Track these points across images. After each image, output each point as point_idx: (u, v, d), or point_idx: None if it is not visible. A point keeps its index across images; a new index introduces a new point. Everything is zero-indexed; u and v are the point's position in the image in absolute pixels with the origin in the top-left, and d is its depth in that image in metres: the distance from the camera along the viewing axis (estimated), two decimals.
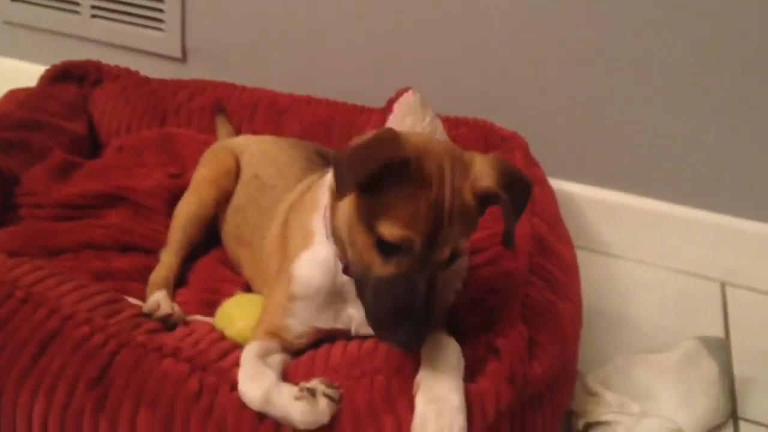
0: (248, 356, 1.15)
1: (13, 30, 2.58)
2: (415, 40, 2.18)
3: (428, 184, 1.04)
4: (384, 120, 1.92)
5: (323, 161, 1.60)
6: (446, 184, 1.05)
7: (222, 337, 1.28)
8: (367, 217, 1.07)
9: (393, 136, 1.06)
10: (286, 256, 1.28)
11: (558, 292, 1.42)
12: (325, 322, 1.25)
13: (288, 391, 1.08)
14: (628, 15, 1.98)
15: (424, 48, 2.18)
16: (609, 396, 1.48)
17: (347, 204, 1.11)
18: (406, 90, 1.95)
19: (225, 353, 1.22)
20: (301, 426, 1.06)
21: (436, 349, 1.13)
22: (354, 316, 1.24)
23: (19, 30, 2.57)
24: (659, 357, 1.56)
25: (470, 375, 1.13)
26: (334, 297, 1.23)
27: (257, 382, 1.10)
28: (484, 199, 1.10)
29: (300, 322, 1.24)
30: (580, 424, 1.48)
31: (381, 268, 1.07)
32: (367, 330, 1.21)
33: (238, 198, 1.62)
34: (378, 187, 1.05)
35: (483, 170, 1.09)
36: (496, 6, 2.07)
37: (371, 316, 1.10)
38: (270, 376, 1.11)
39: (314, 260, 1.22)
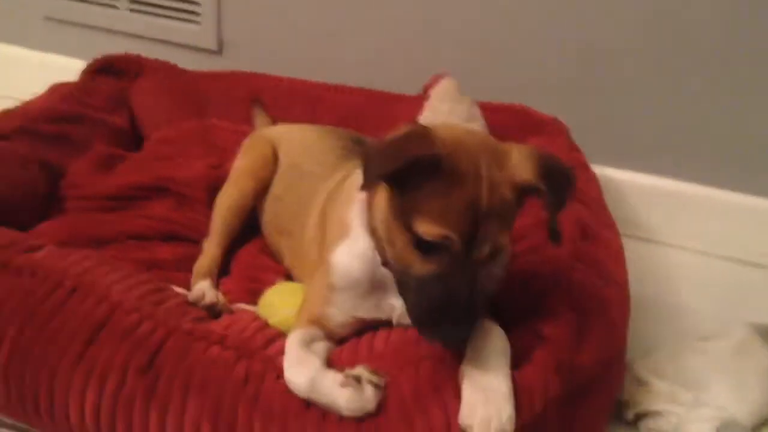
0: (293, 344, 1.15)
1: (53, 25, 2.61)
2: (450, 25, 2.16)
3: (463, 180, 1.02)
4: (420, 107, 1.90)
5: (360, 148, 1.59)
6: (482, 179, 1.03)
7: (266, 325, 1.28)
8: (404, 215, 1.05)
9: (424, 133, 1.04)
10: (324, 245, 1.27)
11: (604, 277, 1.39)
12: (367, 312, 1.24)
13: (333, 377, 1.07)
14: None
15: (460, 33, 2.16)
16: (660, 385, 1.45)
17: (383, 203, 1.10)
18: (442, 76, 1.93)
19: (270, 341, 1.22)
20: (347, 413, 1.06)
21: (482, 336, 1.12)
22: (396, 306, 1.22)
23: (59, 25, 2.60)
24: (711, 345, 1.53)
25: (516, 363, 1.11)
26: (374, 287, 1.22)
27: (303, 369, 1.09)
28: (523, 192, 1.08)
29: (341, 312, 1.23)
30: (630, 414, 1.46)
31: (421, 267, 1.06)
32: (409, 320, 1.20)
33: (277, 187, 1.62)
34: (412, 185, 1.03)
35: (521, 163, 1.07)
36: None
37: (413, 315, 1.09)
38: (315, 363, 1.10)
39: (353, 251, 1.21)
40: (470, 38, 2.15)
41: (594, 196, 1.74)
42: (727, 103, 2.00)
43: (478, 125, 1.86)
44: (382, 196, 1.11)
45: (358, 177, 1.23)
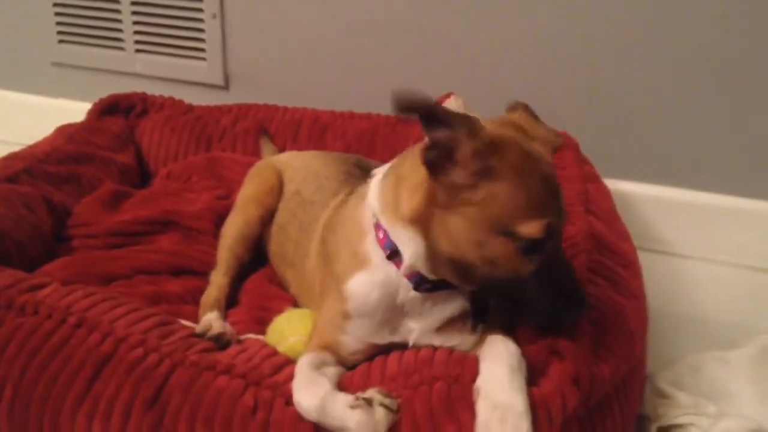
0: (302, 367, 1.13)
1: (61, 70, 2.65)
2: (455, 44, 2.16)
3: (528, 168, 1.04)
4: None
5: (362, 173, 1.56)
6: (537, 157, 1.07)
7: (275, 352, 1.26)
8: (499, 227, 1.04)
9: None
10: (333, 276, 1.25)
11: (621, 289, 1.36)
12: (382, 338, 1.21)
13: (344, 400, 1.04)
14: (678, 8, 1.92)
15: (465, 52, 2.15)
16: (682, 397, 1.42)
17: (466, 231, 1.06)
18: (448, 95, 1.92)
19: (279, 368, 1.19)
20: None
21: (496, 352, 1.10)
22: (413, 328, 1.20)
23: (67, 70, 2.64)
24: (733, 354, 1.49)
25: (533, 378, 1.08)
26: (393, 313, 1.20)
27: (312, 392, 1.07)
28: None
29: (355, 340, 1.21)
30: (653, 428, 1.42)
31: (531, 264, 1.06)
32: (427, 340, 1.19)
33: (281, 215, 1.61)
34: (493, 195, 1.03)
35: (531, 126, 1.18)
36: (539, 5, 2.04)
37: (547, 310, 1.10)
38: (325, 385, 1.08)
39: (372, 281, 1.18)
40: (475, 56, 2.14)
41: (607, 208, 1.71)
42: (743, 110, 1.96)
43: None
44: (457, 227, 1.07)
45: (363, 207, 1.21)
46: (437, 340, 1.20)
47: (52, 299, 1.22)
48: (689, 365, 1.48)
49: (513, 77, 2.13)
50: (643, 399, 1.41)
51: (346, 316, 1.20)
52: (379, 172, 1.24)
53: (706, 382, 1.44)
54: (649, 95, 2.03)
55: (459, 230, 1.07)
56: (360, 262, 1.19)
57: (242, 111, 2.22)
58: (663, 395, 1.43)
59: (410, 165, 1.13)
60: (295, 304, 1.50)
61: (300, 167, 1.66)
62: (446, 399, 1.07)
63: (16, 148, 1.91)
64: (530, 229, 1.03)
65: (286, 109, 2.22)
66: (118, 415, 1.08)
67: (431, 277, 1.15)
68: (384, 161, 1.97)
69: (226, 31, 2.41)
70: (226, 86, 2.48)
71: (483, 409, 1.02)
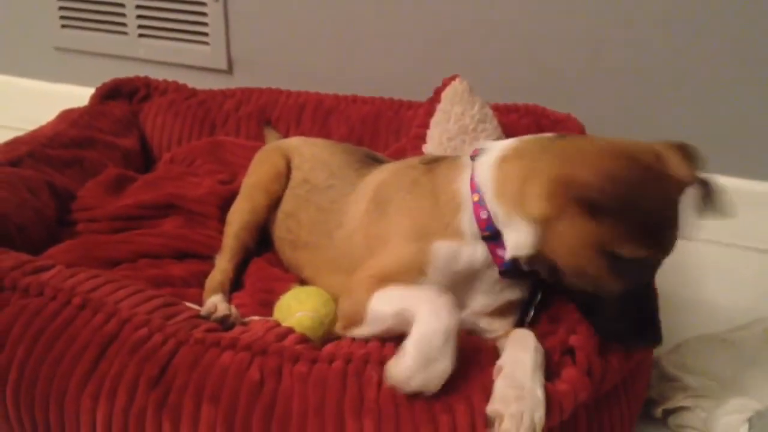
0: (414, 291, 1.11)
1: (63, 55, 2.64)
2: (458, 26, 2.15)
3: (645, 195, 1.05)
4: (432, 111, 1.88)
5: (375, 162, 1.57)
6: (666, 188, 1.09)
7: (278, 324, 1.26)
8: (601, 245, 1.05)
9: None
10: (400, 230, 1.23)
11: None
12: None
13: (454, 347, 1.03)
14: None
15: (469, 34, 2.14)
16: (688, 380, 1.41)
17: (574, 238, 1.07)
18: (452, 78, 1.90)
19: (283, 336, 1.20)
20: (414, 383, 1.02)
21: (525, 344, 1.11)
22: (470, 305, 1.21)
23: (70, 55, 2.63)
24: (738, 335, 1.48)
25: (548, 375, 1.09)
26: (465, 286, 1.21)
27: (452, 315, 1.04)
28: None
29: None
30: (659, 411, 1.41)
31: (617, 285, 1.08)
32: (473, 320, 1.22)
33: (288, 202, 1.60)
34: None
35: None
36: None
37: (613, 333, 1.12)
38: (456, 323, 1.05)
39: (459, 252, 1.18)
40: (479, 38, 2.13)
41: None
42: (750, 91, 1.95)
43: (490, 126, 1.83)
44: (573, 228, 1.07)
45: (462, 183, 1.21)
46: (483, 322, 1.22)
47: (56, 281, 1.21)
48: (694, 347, 1.47)
49: (516, 61, 2.12)
50: (649, 384, 1.40)
51: (421, 273, 1.18)
52: (488, 151, 1.21)
53: (712, 364, 1.43)
54: (655, 75, 2.02)
55: (570, 241, 1.08)
56: (451, 233, 1.19)
57: (245, 95, 2.21)
58: (669, 378, 1.42)
59: (551, 163, 1.10)
60: (301, 283, 1.49)
61: (308, 155, 1.64)
62: (461, 378, 1.06)
63: (18, 133, 1.90)
64: (626, 251, 1.04)
65: (289, 93, 2.21)
66: (123, 394, 1.08)
67: (525, 268, 1.17)
68: (388, 145, 2.00)
69: (229, 15, 2.40)
70: (229, 71, 2.48)
71: (502, 385, 1.03)
